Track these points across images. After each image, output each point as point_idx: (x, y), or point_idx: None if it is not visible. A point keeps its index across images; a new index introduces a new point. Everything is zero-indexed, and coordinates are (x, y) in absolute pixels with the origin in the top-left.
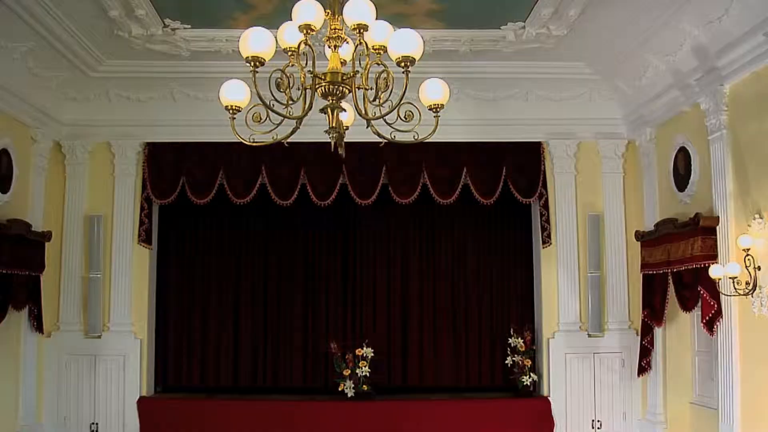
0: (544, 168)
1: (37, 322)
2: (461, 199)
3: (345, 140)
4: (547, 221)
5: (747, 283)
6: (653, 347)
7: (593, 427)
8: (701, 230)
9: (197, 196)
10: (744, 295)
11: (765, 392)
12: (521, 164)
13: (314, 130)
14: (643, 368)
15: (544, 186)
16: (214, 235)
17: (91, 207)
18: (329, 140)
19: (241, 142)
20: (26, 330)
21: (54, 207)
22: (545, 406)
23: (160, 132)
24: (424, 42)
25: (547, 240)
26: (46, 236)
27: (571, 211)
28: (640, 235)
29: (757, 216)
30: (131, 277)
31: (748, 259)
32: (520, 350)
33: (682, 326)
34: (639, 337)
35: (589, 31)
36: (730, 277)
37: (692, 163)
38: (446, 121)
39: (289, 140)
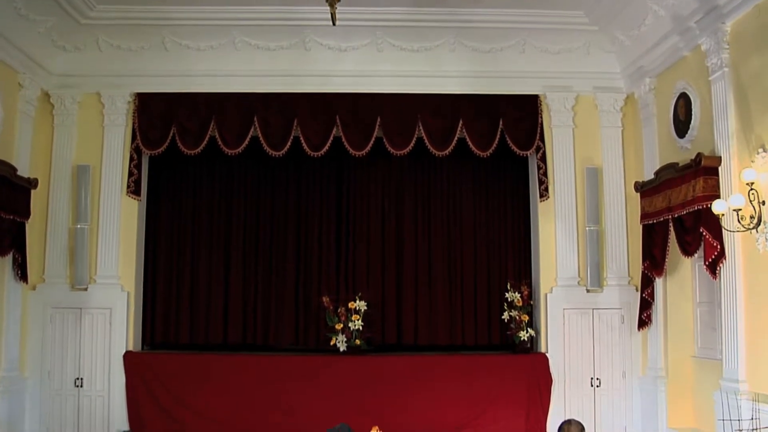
0: (542, 121)
1: (21, 271)
2: (457, 153)
3: (340, 91)
4: (545, 174)
5: (751, 218)
6: (653, 300)
7: (592, 385)
8: (703, 170)
9: (188, 147)
10: (748, 230)
11: None
12: (518, 117)
13: (308, 81)
14: (644, 322)
15: (542, 139)
16: (205, 188)
17: (80, 157)
18: (322, 91)
19: (234, 93)
20: (10, 279)
21: (41, 157)
22: (543, 362)
23: (151, 82)
24: None
25: (544, 193)
26: (32, 183)
27: (569, 164)
28: (639, 186)
29: (761, 150)
30: (119, 228)
31: (752, 194)
32: (517, 305)
33: (683, 278)
34: (639, 293)
35: None
36: (734, 210)
37: (693, 107)
38: (442, 72)
39: (281, 91)
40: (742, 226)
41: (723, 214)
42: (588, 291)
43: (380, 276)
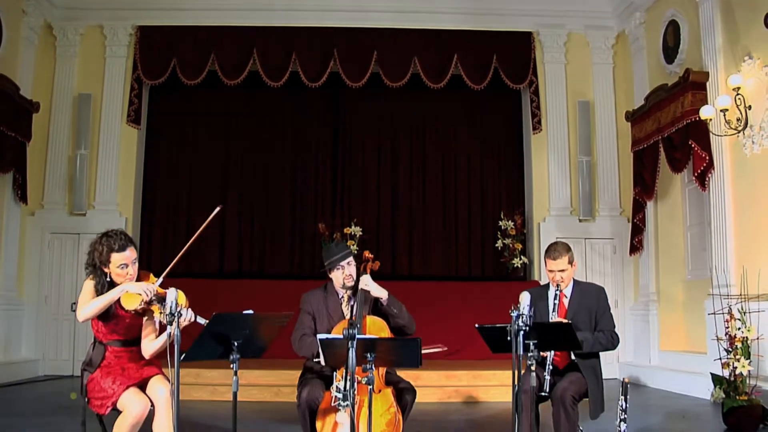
0: (534, 56)
1: (21, 192)
2: (451, 88)
3: (338, 26)
4: (538, 108)
5: (738, 120)
6: (645, 226)
7: None
8: (691, 85)
9: (188, 78)
10: (736, 131)
11: (759, 238)
12: (512, 52)
13: (307, 15)
14: (635, 247)
15: (534, 73)
16: (203, 120)
17: (81, 86)
18: (321, 25)
19: (234, 26)
20: (10, 201)
21: (43, 84)
22: None
23: (153, 15)
24: None
25: (537, 126)
26: (35, 106)
27: (561, 98)
28: (630, 114)
29: (746, 57)
30: (118, 156)
31: (739, 99)
32: (511, 234)
33: (673, 203)
34: (630, 222)
35: None
36: (721, 110)
37: (681, 32)
38: (438, 8)
39: (280, 25)
40: (730, 128)
41: (711, 119)
42: (580, 221)
43: (375, 207)
